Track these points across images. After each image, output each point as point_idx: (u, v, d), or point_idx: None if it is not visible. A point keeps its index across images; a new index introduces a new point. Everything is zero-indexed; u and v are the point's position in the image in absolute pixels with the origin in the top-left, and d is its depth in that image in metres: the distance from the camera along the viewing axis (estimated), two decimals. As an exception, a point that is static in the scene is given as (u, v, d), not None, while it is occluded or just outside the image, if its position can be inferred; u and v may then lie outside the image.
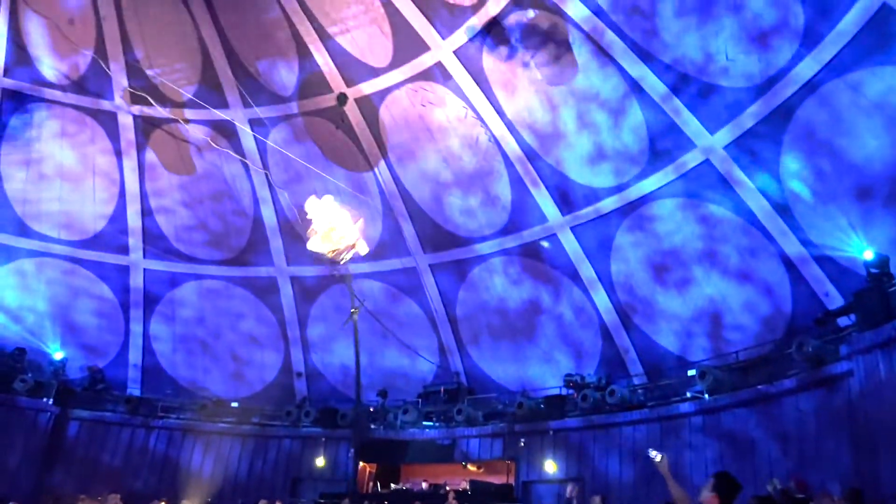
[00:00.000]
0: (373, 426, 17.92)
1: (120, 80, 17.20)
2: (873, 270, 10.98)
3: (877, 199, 11.52)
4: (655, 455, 5.05)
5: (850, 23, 10.80)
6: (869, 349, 10.35)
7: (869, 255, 11.16)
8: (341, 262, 10.97)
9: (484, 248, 17.06)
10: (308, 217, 11.36)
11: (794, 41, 11.58)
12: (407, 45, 15.72)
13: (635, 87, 13.62)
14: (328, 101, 16.97)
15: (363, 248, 11.04)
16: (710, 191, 13.54)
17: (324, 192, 17.93)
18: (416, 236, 17.68)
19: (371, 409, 18.11)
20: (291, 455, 18.23)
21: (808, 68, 11.50)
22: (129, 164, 18.33)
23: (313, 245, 11.16)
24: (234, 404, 19.03)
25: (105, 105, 17.67)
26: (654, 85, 13.34)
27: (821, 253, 12.41)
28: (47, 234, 18.71)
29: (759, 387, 12.58)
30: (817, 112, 11.73)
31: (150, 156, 18.41)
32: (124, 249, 19.06)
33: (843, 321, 11.88)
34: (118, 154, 18.23)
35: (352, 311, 11.28)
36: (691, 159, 13.49)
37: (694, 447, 13.37)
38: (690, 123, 13.21)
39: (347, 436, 17.78)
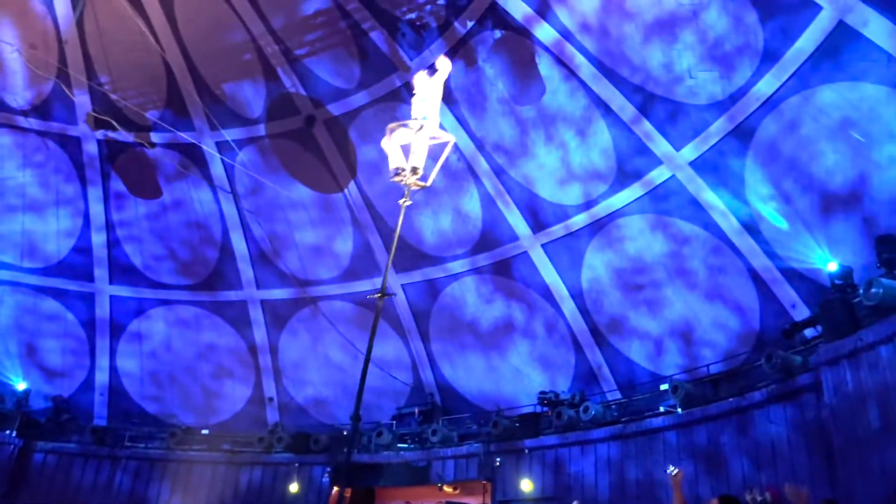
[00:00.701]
0: (346, 450, 17.67)
1: (83, 105, 16.97)
2: (837, 282, 11.17)
3: (839, 212, 11.77)
4: (673, 470, 5.39)
5: (807, 40, 11.08)
6: (836, 360, 10.49)
7: (833, 266, 11.36)
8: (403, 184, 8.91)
9: (455, 266, 17.05)
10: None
11: (754, 59, 11.84)
12: (374, 66, 15.78)
13: (601, 105, 13.79)
14: (296, 122, 16.91)
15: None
16: (677, 206, 13.71)
17: (292, 213, 17.99)
18: (387, 255, 17.59)
19: (344, 433, 17.88)
20: (264, 482, 17.88)
21: (768, 85, 11.76)
22: (94, 188, 18.06)
23: (387, 144, 9.15)
24: (204, 432, 18.65)
25: (69, 130, 17.41)
26: (620, 103, 13.52)
27: (786, 265, 12.61)
28: (9, 262, 18.30)
29: (731, 400, 12.67)
30: (779, 128, 11.98)
31: (116, 181, 18.16)
32: (89, 276, 18.70)
33: (810, 332, 12.05)
34: (82, 179, 17.94)
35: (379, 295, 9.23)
36: (658, 176, 13.66)
37: (668, 462, 13.38)
38: (657, 140, 13.40)
39: (321, 461, 17.53)
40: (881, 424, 9.57)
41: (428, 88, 9.61)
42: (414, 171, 8.84)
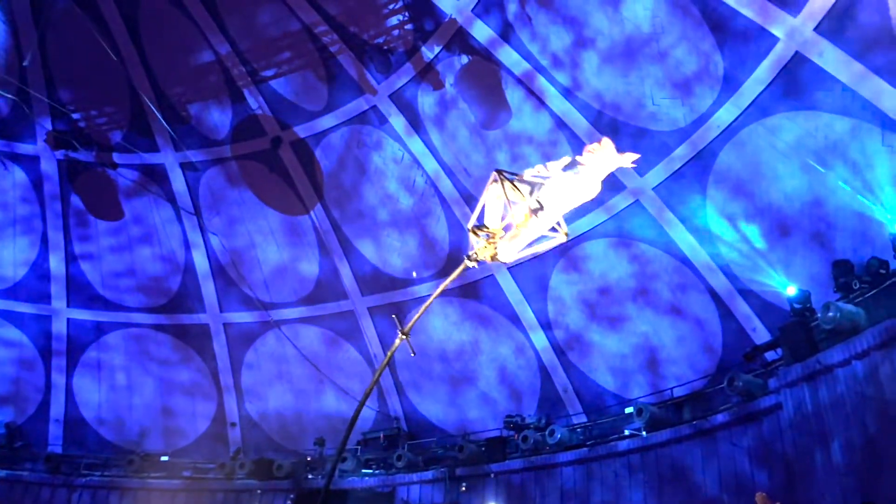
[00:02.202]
0: (310, 476, 17.39)
1: (44, 125, 16.67)
2: (797, 306, 11.40)
3: (797, 237, 12.05)
4: None
5: (765, 70, 11.40)
6: (795, 382, 10.67)
7: (792, 290, 11.60)
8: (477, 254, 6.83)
9: (422, 290, 17.00)
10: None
11: (714, 87, 12.14)
12: (342, 89, 15.80)
13: (566, 130, 13.98)
14: (262, 144, 16.81)
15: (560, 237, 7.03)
16: (640, 231, 13.90)
17: (259, 237, 17.80)
18: (354, 279, 17.52)
19: (308, 458, 17.59)
20: (225, 509, 17.48)
21: (728, 113, 12.05)
22: (53, 209, 17.69)
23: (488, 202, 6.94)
24: (164, 458, 18.16)
25: (28, 150, 17.08)
26: (583, 128, 13.72)
27: (747, 289, 12.84)
28: (-38, 283, 17.80)
29: (695, 422, 12.79)
30: (738, 154, 12.27)
31: (76, 200, 17.81)
32: (46, 298, 18.24)
33: (770, 356, 12.25)
34: (41, 199, 17.57)
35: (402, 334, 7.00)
36: (622, 201, 13.85)
37: (634, 484, 13.44)
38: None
39: (284, 487, 17.18)
40: (840, 445, 9.73)
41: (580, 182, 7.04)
42: (491, 238, 6.68)
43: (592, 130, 13.66)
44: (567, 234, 7.01)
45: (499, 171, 6.43)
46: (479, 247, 6.64)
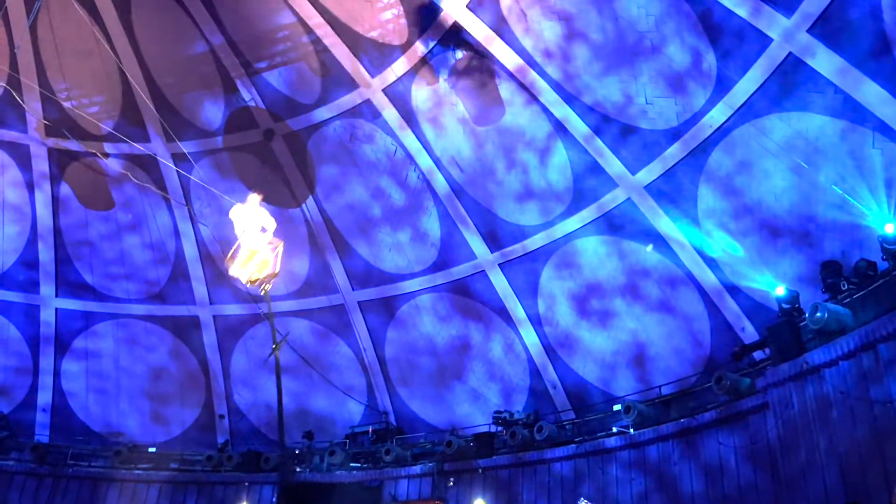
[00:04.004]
0: (298, 469, 17.38)
1: (34, 112, 16.53)
2: (785, 306, 11.46)
3: (786, 237, 12.11)
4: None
5: (758, 70, 11.44)
6: (782, 382, 10.75)
7: (781, 291, 11.66)
8: (262, 292, 10.76)
9: (413, 284, 17.00)
10: (236, 232, 10.65)
11: (707, 87, 12.17)
12: (336, 82, 15.74)
13: (559, 128, 13.99)
14: (255, 136, 16.75)
15: (277, 267, 10.67)
16: (631, 228, 13.93)
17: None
18: (345, 273, 17.49)
19: (297, 452, 17.58)
20: (212, 502, 17.43)
21: (721, 113, 12.09)
22: (42, 197, 17.57)
23: (235, 270, 10.57)
24: (152, 449, 18.12)
25: (17, 138, 16.93)
26: (577, 126, 13.74)
27: (736, 289, 12.91)
28: (-51, 271, 17.66)
29: (682, 420, 12.85)
30: (730, 154, 12.31)
31: (65, 189, 17.69)
32: (34, 287, 18.12)
33: (758, 355, 12.32)
34: (30, 187, 17.44)
35: (273, 346, 10.80)
36: (614, 198, 13.88)
37: (620, 482, 13.51)
38: (613, 163, 13.63)
39: (271, 480, 17.18)
40: (825, 445, 9.81)
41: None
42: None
43: (585, 128, 13.68)
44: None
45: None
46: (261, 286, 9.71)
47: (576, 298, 15.12)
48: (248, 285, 10.32)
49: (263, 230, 10.44)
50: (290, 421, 18.64)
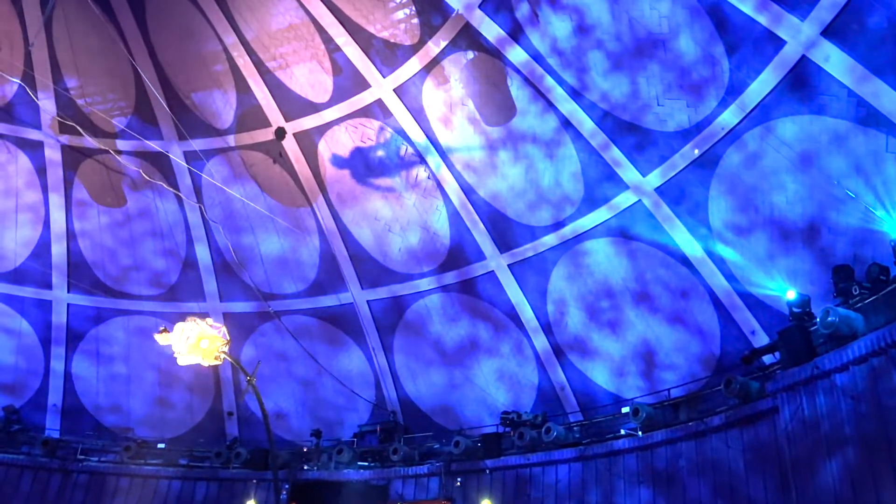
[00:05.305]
0: (306, 467, 17.44)
1: (48, 109, 16.66)
2: (796, 310, 11.40)
3: (798, 241, 12.04)
4: None
5: (771, 73, 11.38)
6: (792, 386, 10.68)
7: (791, 295, 11.59)
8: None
9: (422, 284, 17.02)
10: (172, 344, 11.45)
11: (720, 90, 12.11)
12: (347, 81, 15.78)
13: (571, 129, 13.97)
14: (266, 134, 16.81)
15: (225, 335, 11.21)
16: (642, 231, 13.90)
17: (260, 227, 17.80)
18: (355, 272, 17.52)
19: (305, 450, 17.63)
20: (220, 498, 17.50)
21: (733, 116, 12.03)
22: (56, 194, 17.70)
23: (186, 361, 11.29)
24: (161, 445, 18.24)
25: (31, 134, 17.07)
26: (589, 127, 13.71)
27: (747, 292, 12.84)
28: (-37, 266, 17.81)
29: (690, 423, 12.81)
30: (742, 158, 12.25)
31: (79, 187, 17.81)
32: (47, 283, 18.26)
33: (768, 359, 12.26)
34: (44, 184, 17.57)
35: (248, 379, 11.76)
36: (624, 200, 13.85)
37: (628, 484, 13.47)
38: (624, 165, 13.60)
39: (280, 477, 17.22)
40: (836, 451, 9.75)
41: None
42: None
43: (595, 128, 13.65)
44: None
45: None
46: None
47: (585, 300, 15.09)
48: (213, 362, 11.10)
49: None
50: (299, 418, 18.75)
